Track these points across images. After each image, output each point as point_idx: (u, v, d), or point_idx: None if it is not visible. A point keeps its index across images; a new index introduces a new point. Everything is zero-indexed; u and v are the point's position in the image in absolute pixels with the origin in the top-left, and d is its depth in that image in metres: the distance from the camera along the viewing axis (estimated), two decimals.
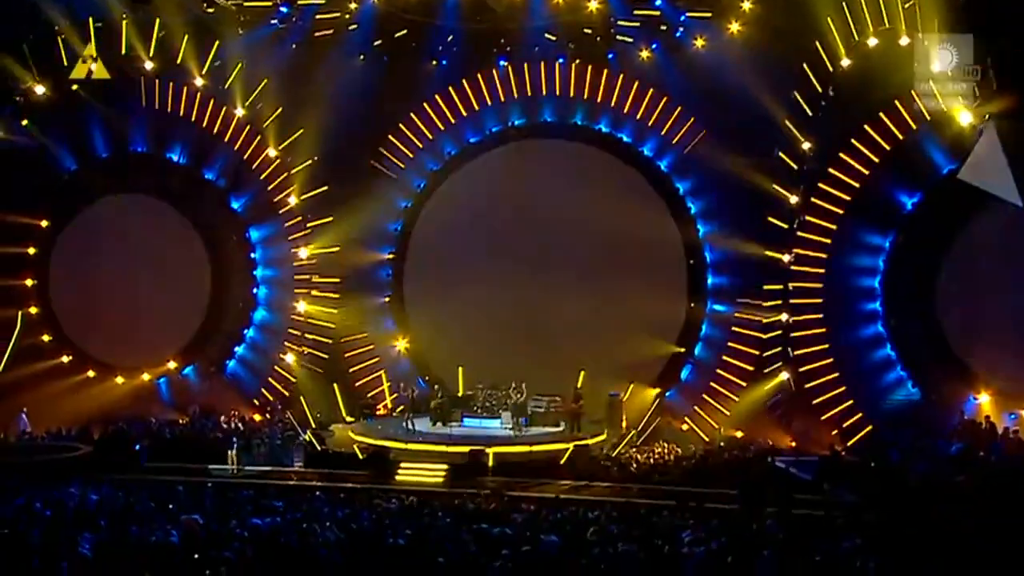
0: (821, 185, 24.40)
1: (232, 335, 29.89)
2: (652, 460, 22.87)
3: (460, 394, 27.14)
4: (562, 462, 22.12)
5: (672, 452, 23.69)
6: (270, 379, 29.14)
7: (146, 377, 29.12)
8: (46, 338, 28.77)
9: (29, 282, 28.91)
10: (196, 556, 11.63)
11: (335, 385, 27.53)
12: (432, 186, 29.76)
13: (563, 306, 28.25)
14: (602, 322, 28.10)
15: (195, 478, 20.02)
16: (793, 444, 24.36)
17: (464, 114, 29.02)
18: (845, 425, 23.66)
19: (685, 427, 26.42)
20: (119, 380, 28.97)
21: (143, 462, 22.43)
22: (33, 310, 28.75)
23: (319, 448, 23.35)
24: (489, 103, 28.90)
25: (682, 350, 27.55)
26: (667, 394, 27.39)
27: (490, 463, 21.78)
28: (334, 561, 11.86)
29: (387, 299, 30.00)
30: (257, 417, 28.04)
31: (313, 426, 25.25)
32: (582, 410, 25.11)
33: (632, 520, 14.64)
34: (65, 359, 28.79)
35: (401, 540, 12.46)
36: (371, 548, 12.45)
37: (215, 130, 28.84)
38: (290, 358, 28.85)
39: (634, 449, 23.86)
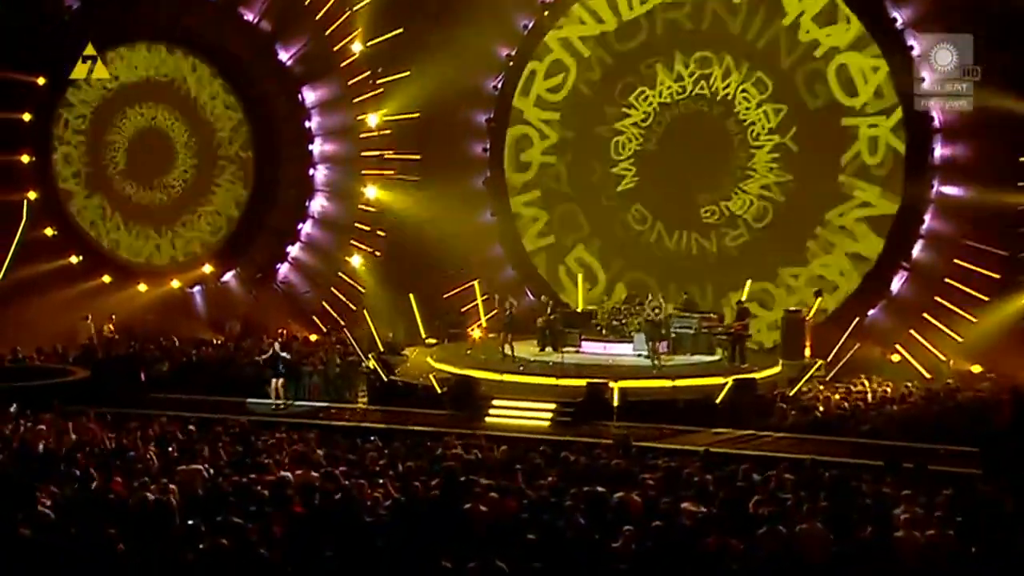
0: None
1: (282, 231, 30.24)
2: (848, 403, 22.06)
3: (579, 309, 26.87)
4: (717, 402, 21.73)
5: (878, 392, 22.73)
6: (332, 289, 29.51)
7: (175, 285, 29.77)
8: (49, 232, 29.14)
9: (26, 159, 29.08)
10: (191, 522, 10.91)
11: (412, 297, 27.52)
12: (544, 28, 28.93)
13: (723, 189, 27.40)
14: (778, 210, 27.18)
15: (216, 415, 20.15)
16: None
17: None
18: None
19: (896, 358, 25.55)
20: (142, 288, 29.63)
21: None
22: (32, 195, 29.01)
23: (386, 378, 23.35)
24: None
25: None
26: (870, 312, 26.28)
27: (615, 402, 21.32)
28: (385, 532, 11.27)
29: (484, 182, 29.80)
30: (313, 337, 28.42)
31: (381, 350, 25.29)
32: (747, 332, 24.59)
33: (817, 487, 13.81)
34: (74, 259, 29.26)
35: (482, 506, 11.83)
36: (438, 516, 11.89)
37: None
38: (357, 261, 29.07)
39: (822, 387, 23.30)
